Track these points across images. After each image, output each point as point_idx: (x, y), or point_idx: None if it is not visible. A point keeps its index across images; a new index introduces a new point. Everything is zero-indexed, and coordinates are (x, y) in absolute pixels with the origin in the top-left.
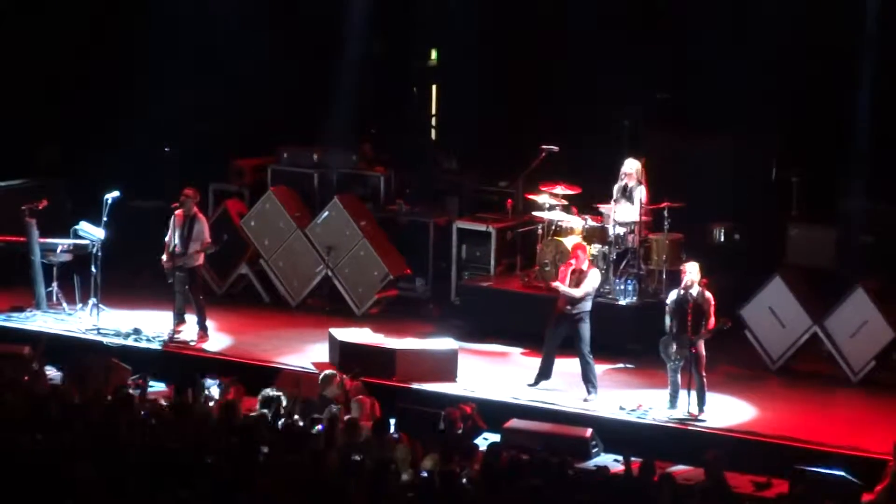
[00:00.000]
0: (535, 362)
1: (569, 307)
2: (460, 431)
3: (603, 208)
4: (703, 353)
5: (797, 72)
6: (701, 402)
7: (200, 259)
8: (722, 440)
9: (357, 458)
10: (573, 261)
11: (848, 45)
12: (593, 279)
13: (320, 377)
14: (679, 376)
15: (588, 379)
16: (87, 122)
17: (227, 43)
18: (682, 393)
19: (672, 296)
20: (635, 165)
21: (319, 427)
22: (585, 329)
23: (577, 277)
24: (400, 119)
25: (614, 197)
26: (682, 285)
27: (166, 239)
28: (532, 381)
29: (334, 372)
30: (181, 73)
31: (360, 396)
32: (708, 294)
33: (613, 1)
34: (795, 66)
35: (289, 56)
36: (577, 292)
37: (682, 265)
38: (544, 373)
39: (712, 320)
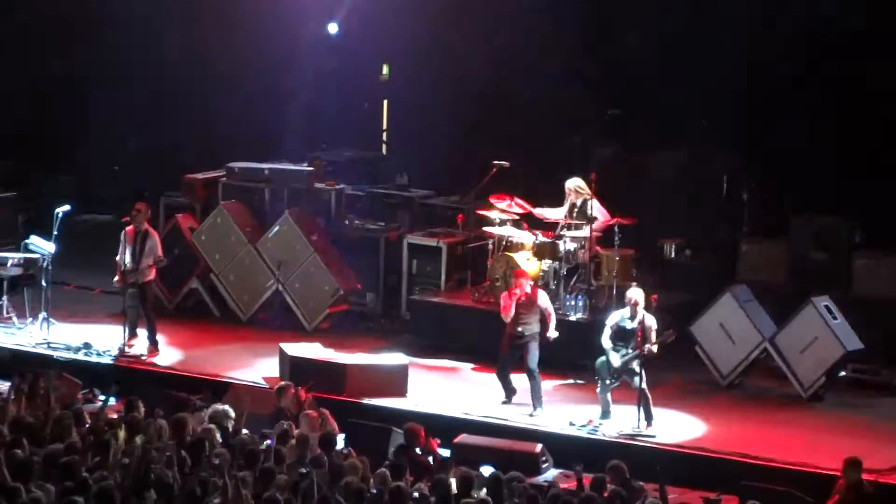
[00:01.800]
0: (486, 378)
1: (520, 329)
2: (419, 450)
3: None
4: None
5: (749, 88)
6: (648, 416)
7: (152, 274)
8: (672, 456)
9: (305, 471)
10: (517, 290)
11: (799, 62)
12: (546, 301)
13: (276, 388)
14: (610, 395)
15: (534, 395)
16: (39, 137)
17: (180, 59)
18: (615, 407)
19: (615, 319)
20: (576, 183)
21: (268, 442)
22: (535, 349)
23: (527, 303)
24: (351, 134)
25: (564, 213)
26: (632, 313)
27: (117, 258)
28: (505, 399)
29: (289, 383)
30: (134, 89)
31: (309, 411)
32: (651, 317)
33: (566, 18)
34: (747, 83)
35: (240, 71)
36: (551, 333)
37: (627, 292)
38: (511, 391)
39: (653, 336)
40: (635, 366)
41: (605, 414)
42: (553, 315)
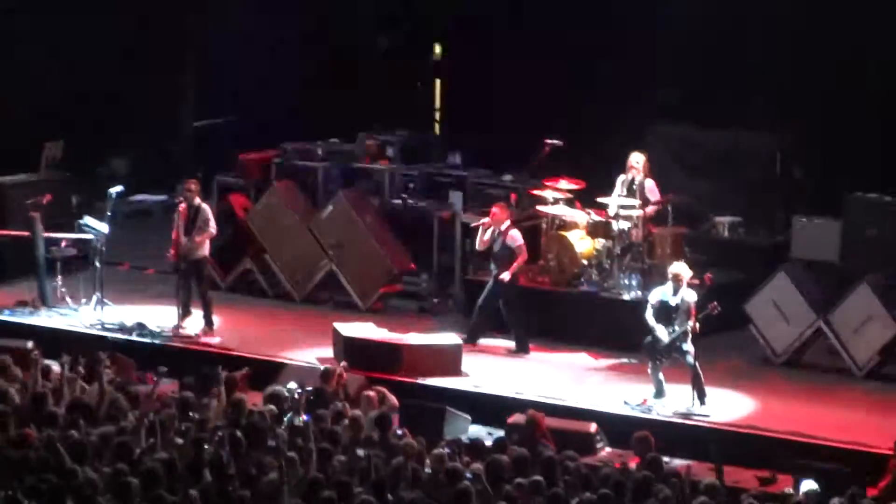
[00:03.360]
0: (540, 357)
1: (492, 266)
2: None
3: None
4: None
5: (800, 65)
6: (702, 395)
7: (206, 249)
8: (726, 435)
9: (361, 454)
10: (488, 220)
11: (852, 39)
12: (517, 240)
13: (321, 372)
14: (661, 374)
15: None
16: (93, 118)
17: (232, 39)
18: (668, 387)
19: (657, 295)
20: (641, 158)
21: (305, 418)
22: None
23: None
24: (405, 114)
25: (618, 192)
26: (675, 288)
27: (173, 235)
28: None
29: (333, 367)
30: (187, 69)
31: (368, 392)
32: (692, 292)
33: None
34: (798, 60)
35: (294, 51)
36: (505, 274)
37: (670, 268)
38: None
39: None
40: (683, 343)
41: (659, 393)
42: (519, 260)
